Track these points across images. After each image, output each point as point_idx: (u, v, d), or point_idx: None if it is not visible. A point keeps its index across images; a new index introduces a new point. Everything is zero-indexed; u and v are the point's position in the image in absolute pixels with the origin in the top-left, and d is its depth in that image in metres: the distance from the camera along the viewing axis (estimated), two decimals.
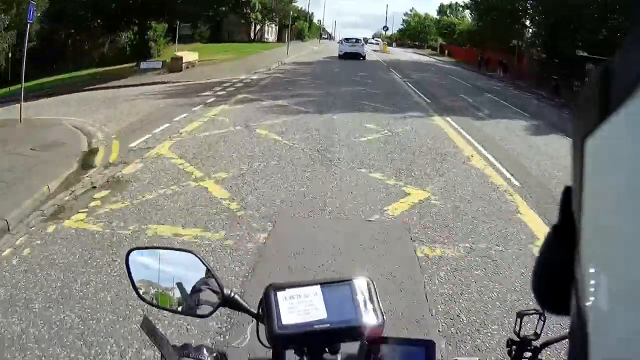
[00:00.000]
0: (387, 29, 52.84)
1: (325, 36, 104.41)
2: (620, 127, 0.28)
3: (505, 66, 24.51)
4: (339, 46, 28.31)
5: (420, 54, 48.25)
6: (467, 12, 52.95)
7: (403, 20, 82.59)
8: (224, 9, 22.25)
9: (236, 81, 12.97)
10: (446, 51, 47.93)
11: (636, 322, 0.25)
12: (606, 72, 0.29)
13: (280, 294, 0.79)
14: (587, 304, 0.30)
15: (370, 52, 32.84)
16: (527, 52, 25.40)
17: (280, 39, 43.44)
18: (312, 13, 60.46)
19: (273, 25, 46.31)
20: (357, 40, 28.18)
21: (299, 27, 50.88)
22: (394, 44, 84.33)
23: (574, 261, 0.32)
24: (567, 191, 0.36)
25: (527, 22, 24.95)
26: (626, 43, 0.29)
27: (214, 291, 0.84)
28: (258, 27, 43.44)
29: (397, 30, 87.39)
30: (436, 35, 78.14)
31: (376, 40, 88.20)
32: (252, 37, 42.21)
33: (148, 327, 0.78)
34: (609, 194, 0.29)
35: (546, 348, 0.84)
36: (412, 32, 78.94)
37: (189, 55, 16.78)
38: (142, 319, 0.80)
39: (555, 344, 0.84)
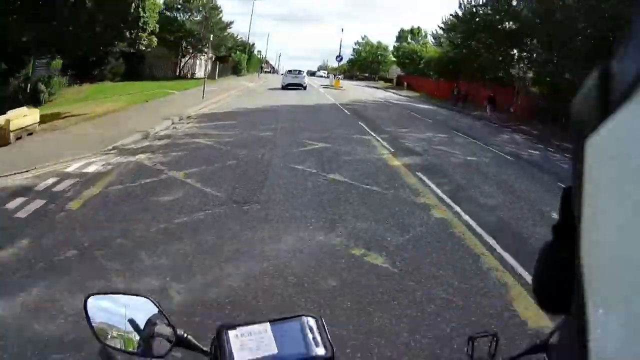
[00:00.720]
0: (341, 59, 47.82)
1: (268, 69, 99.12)
2: (620, 127, 0.28)
3: (494, 102, 19.49)
4: (282, 78, 30.35)
5: (374, 87, 43.92)
6: (429, 38, 50.12)
7: (354, 49, 77.38)
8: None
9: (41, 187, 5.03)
10: (405, 83, 42.60)
11: (637, 322, 0.26)
12: (606, 72, 0.30)
13: (231, 333, 0.83)
14: (588, 304, 0.30)
15: (320, 90, 28.68)
16: (523, 84, 21.09)
17: (214, 74, 35.12)
18: (253, 44, 52.07)
19: (203, 58, 37.52)
20: (300, 72, 30.92)
21: (235, 59, 44.33)
22: (341, 75, 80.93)
23: (574, 261, 0.32)
24: (567, 191, 0.36)
25: (528, 46, 20.56)
26: (626, 43, 0.30)
27: (167, 333, 0.88)
28: (185, 60, 36.04)
29: (347, 61, 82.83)
30: (390, 65, 74.58)
31: (324, 73, 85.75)
32: (178, 73, 34.80)
33: (104, 357, 0.89)
34: (609, 194, 0.29)
35: None
36: (363, 63, 74.60)
37: (22, 116, 9.30)
38: (99, 349, 0.90)
39: None
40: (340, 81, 41.24)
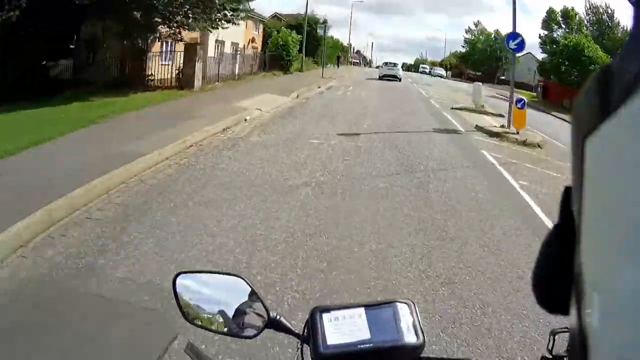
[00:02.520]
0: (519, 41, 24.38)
1: (358, 60, 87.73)
2: (620, 127, 0.30)
3: None
4: (379, 70, 37.93)
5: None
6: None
7: (465, 40, 63.72)
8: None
9: None
10: (565, 101, 27.38)
11: (637, 322, 0.27)
12: (606, 72, 0.32)
13: (325, 316, 0.88)
14: (587, 303, 0.32)
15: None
16: None
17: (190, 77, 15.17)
18: (325, 22, 35.66)
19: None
20: (395, 64, 36.50)
21: (277, 42, 27.37)
22: (448, 72, 70.27)
23: (574, 261, 0.35)
24: (567, 191, 0.38)
25: None
26: (626, 43, 0.32)
27: (258, 313, 0.95)
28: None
29: (459, 55, 70.03)
30: (510, 64, 61.18)
31: (429, 68, 73.91)
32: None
33: (193, 351, 0.97)
34: (609, 194, 0.31)
35: None
36: (478, 58, 59.38)
37: None
38: (186, 344, 0.98)
39: None
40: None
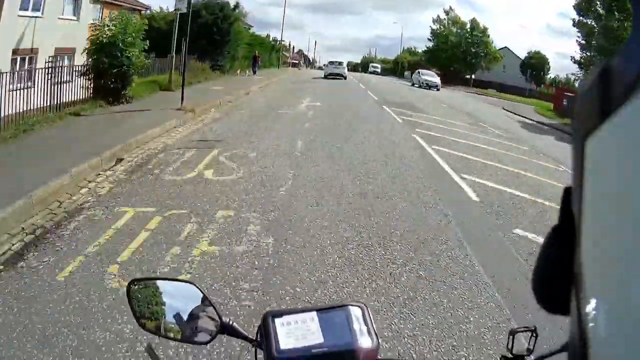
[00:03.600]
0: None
1: (297, 61, 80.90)
2: (620, 127, 0.30)
3: None
4: (324, 69, 41.21)
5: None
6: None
7: (432, 31, 56.16)
8: None
9: None
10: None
11: (636, 322, 0.28)
12: (606, 71, 0.33)
13: (277, 321, 0.91)
14: (587, 304, 0.33)
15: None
16: None
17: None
18: (238, 5, 25.87)
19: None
20: (341, 63, 38.96)
21: (103, 34, 12.66)
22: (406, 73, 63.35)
23: (574, 261, 0.36)
24: (567, 191, 0.39)
25: None
26: (626, 43, 0.32)
27: (212, 319, 0.99)
28: None
29: (422, 50, 62.72)
30: (494, 60, 51.71)
31: (379, 68, 68.28)
32: None
33: (150, 353, 1.02)
34: (609, 194, 0.32)
35: None
36: (451, 53, 51.51)
37: None
38: (146, 345, 1.07)
39: (548, 358, 0.93)
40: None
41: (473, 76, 51.61)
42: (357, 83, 33.21)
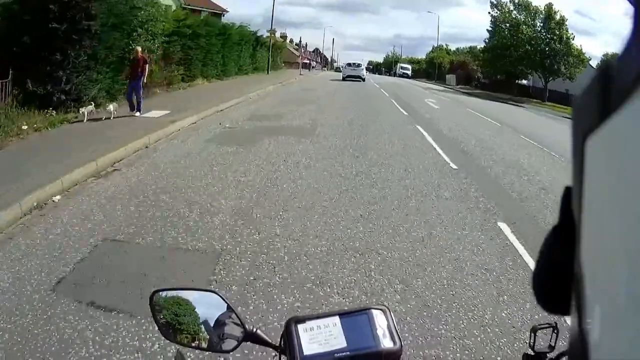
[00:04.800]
0: None
1: (307, 61, 68.77)
2: (620, 127, 0.31)
3: None
4: (342, 71, 42.75)
5: None
6: None
7: (493, 20, 43.08)
8: None
9: None
10: None
11: (637, 322, 0.28)
12: (606, 71, 0.33)
13: (300, 326, 0.95)
14: (587, 304, 0.34)
15: None
16: None
17: None
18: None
19: None
20: (359, 64, 40.44)
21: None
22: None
23: (574, 261, 0.37)
24: (567, 191, 0.40)
25: None
26: (626, 42, 0.33)
27: (236, 327, 1.05)
28: None
29: (482, 47, 48.52)
30: (578, 63, 36.07)
31: (409, 70, 56.82)
32: None
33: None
34: (609, 194, 0.33)
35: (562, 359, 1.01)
36: (521, 53, 38.09)
37: None
38: (175, 353, 1.56)
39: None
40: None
41: (543, 84, 37.11)
42: (395, 106, 18.55)
